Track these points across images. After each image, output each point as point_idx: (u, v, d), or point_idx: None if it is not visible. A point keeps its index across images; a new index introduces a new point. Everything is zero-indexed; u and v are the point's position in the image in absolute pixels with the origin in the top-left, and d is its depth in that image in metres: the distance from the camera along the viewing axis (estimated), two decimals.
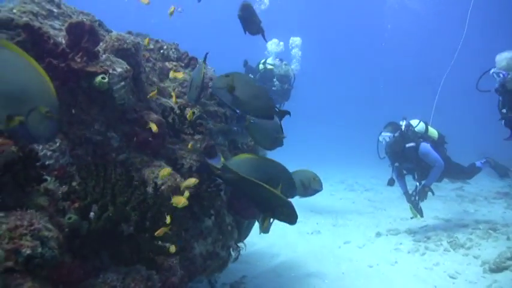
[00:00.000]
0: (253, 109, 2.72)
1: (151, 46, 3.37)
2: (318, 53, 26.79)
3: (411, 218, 5.93)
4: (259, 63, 7.03)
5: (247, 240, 3.85)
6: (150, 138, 2.46)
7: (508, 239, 5.13)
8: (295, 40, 8.99)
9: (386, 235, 5.82)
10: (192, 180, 2.31)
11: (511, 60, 4.87)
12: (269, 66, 6.85)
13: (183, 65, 3.40)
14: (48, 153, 1.99)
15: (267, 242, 5.46)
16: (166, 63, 3.30)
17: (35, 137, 1.66)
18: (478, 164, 6.48)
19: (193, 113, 2.82)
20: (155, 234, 1.91)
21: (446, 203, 7.80)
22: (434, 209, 7.09)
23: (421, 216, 5.88)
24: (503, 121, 5.12)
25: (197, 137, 2.83)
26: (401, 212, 7.04)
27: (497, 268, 4.21)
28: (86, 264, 1.79)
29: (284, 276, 4.36)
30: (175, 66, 3.30)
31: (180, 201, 2.20)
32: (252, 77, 6.87)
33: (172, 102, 2.96)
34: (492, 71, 5.01)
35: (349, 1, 27.98)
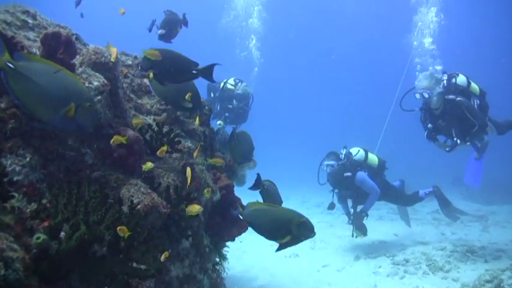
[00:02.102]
0: (180, 77, 2.82)
1: (130, 62, 3.29)
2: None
3: (356, 237, 6.20)
4: (220, 82, 7.14)
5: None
6: (126, 156, 2.36)
7: (486, 261, 5.15)
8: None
9: (365, 258, 5.77)
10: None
11: (429, 79, 5.52)
12: (229, 86, 6.97)
13: None
14: (17, 168, 1.87)
15: (243, 266, 5.34)
16: (145, 80, 3.22)
17: (84, 127, 2.07)
18: (421, 193, 6.83)
19: (172, 130, 2.73)
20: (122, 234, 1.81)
21: (423, 226, 7.82)
22: (412, 232, 7.08)
23: (365, 235, 6.18)
24: (425, 133, 5.80)
25: (175, 155, 2.74)
26: (380, 235, 7.02)
27: None
28: None
29: None
30: None
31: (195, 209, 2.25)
32: (212, 95, 7.09)
33: (150, 120, 2.88)
34: (417, 92, 5.60)
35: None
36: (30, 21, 2.53)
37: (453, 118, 5.43)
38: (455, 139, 5.47)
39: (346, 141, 6.79)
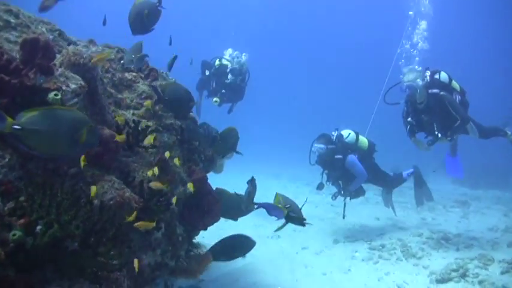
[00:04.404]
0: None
1: (112, 56, 3.40)
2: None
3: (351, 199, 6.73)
4: (215, 59, 7.20)
5: (204, 243, 3.95)
6: (102, 153, 2.53)
7: (458, 250, 5.37)
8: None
9: (344, 242, 6.00)
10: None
11: (414, 73, 5.70)
12: (225, 62, 7.03)
13: (142, 76, 3.44)
14: None
15: None
16: (126, 74, 3.34)
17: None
18: (404, 175, 7.09)
19: (148, 126, 2.89)
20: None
21: (406, 211, 8.03)
22: (393, 217, 7.28)
23: (363, 194, 6.76)
24: (407, 127, 5.96)
25: (151, 150, 2.90)
26: (361, 218, 7.25)
27: (443, 279, 4.42)
28: (29, 278, 1.85)
29: (240, 281, 4.48)
30: (134, 77, 3.35)
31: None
32: (207, 72, 7.16)
33: (129, 114, 3.02)
34: (404, 84, 5.78)
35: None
36: (12, 20, 2.65)
37: (436, 112, 5.60)
38: (436, 133, 5.64)
39: (340, 120, 6.89)
